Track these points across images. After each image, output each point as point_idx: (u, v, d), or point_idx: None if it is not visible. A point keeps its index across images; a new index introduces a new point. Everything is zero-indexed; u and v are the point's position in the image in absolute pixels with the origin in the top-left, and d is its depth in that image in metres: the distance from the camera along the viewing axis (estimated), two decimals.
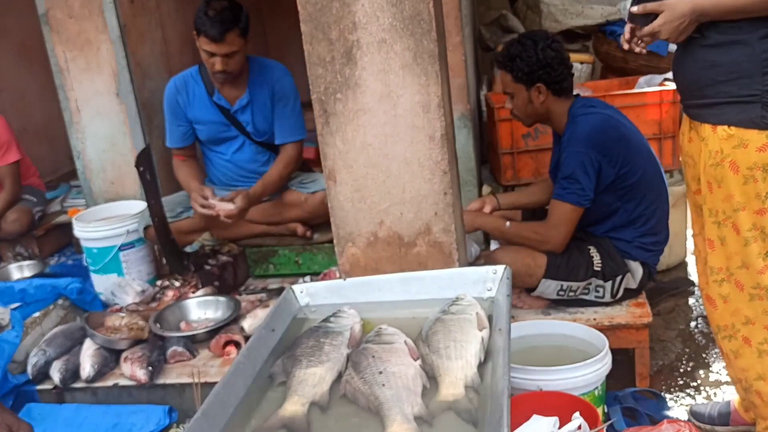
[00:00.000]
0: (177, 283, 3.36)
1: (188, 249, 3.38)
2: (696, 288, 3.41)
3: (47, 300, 3.05)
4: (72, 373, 2.69)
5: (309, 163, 3.96)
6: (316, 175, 3.50)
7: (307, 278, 3.26)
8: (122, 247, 3.42)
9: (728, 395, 2.60)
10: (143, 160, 3.03)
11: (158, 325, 2.86)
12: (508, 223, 2.69)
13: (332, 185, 1.99)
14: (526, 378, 2.14)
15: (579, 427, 1.69)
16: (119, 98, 3.66)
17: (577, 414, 1.73)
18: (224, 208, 3.07)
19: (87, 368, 2.67)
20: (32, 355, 2.76)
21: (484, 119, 4.19)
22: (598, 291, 2.63)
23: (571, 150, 2.52)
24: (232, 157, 3.41)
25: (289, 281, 3.24)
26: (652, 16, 1.91)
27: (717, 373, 2.78)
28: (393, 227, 1.99)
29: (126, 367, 2.66)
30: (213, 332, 2.79)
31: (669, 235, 2.74)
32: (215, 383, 1.52)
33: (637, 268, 2.65)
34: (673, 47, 3.03)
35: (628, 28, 2.03)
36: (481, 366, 1.53)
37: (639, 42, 2.03)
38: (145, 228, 3.36)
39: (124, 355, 2.71)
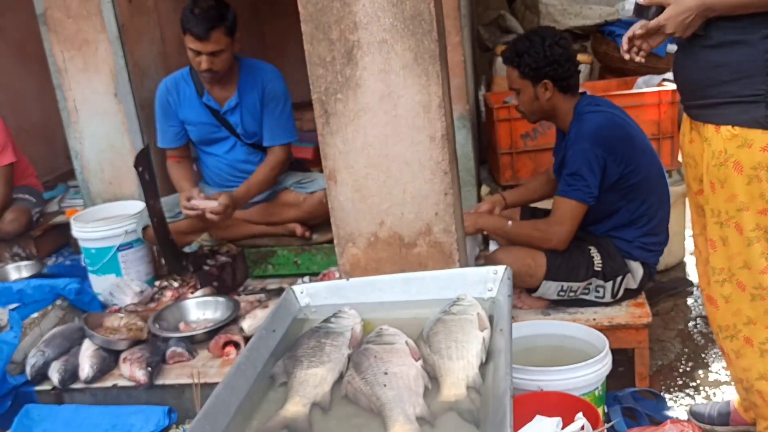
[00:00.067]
0: (176, 284, 3.36)
1: (187, 249, 3.38)
2: (694, 288, 3.42)
3: (45, 300, 3.04)
4: (71, 373, 2.68)
5: (307, 164, 3.96)
6: (315, 175, 3.49)
7: (306, 278, 3.26)
8: (121, 248, 3.41)
9: (728, 395, 2.60)
10: (142, 160, 3.02)
11: (157, 325, 2.85)
12: (510, 223, 2.69)
13: (333, 185, 1.99)
14: (527, 378, 2.14)
15: (582, 428, 1.69)
16: (117, 98, 3.65)
17: (580, 414, 1.73)
18: (208, 205, 3.07)
19: (86, 369, 2.67)
20: (31, 355, 2.76)
21: (482, 119, 4.19)
22: (598, 291, 2.63)
23: (577, 147, 2.52)
24: (225, 158, 3.41)
25: (288, 282, 3.24)
26: (659, 9, 1.90)
27: (716, 373, 2.78)
28: (393, 227, 1.99)
29: (125, 368, 2.65)
30: (212, 333, 2.79)
31: (669, 236, 2.74)
32: (215, 384, 1.52)
33: (637, 269, 2.65)
34: (671, 48, 3.03)
35: (626, 39, 2.03)
36: (483, 366, 1.53)
37: (638, 51, 2.03)
38: (144, 228, 3.35)
39: (123, 355, 2.70)
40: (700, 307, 3.25)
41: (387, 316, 1.79)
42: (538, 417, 1.67)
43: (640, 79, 3.73)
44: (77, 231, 3.48)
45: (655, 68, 3.77)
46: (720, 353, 2.78)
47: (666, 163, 3.43)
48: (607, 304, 2.67)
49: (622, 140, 2.55)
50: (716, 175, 1.97)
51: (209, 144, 3.40)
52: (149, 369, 2.61)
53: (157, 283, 3.44)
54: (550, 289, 2.63)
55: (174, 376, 2.66)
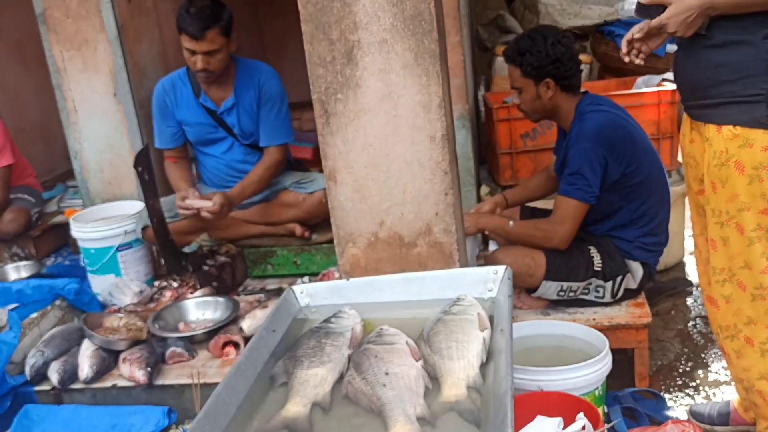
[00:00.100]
0: (175, 284, 3.36)
1: (186, 249, 3.37)
2: (694, 288, 3.42)
3: (45, 301, 3.04)
4: (70, 374, 2.68)
5: (306, 164, 3.96)
6: (314, 175, 3.49)
7: (306, 279, 3.26)
8: (120, 248, 3.41)
9: (727, 395, 2.61)
10: (142, 161, 3.02)
11: (157, 325, 2.85)
12: (511, 223, 2.69)
13: (333, 185, 1.99)
14: (527, 378, 2.14)
15: (583, 428, 1.69)
16: (117, 98, 3.64)
17: (581, 415, 1.73)
18: (203, 205, 3.07)
19: (85, 369, 2.66)
20: (30, 356, 2.75)
21: (482, 120, 4.19)
22: (598, 291, 2.63)
23: (579, 146, 2.52)
24: (223, 159, 3.40)
25: (287, 282, 3.24)
26: (660, 8, 1.90)
27: (716, 373, 2.78)
28: (393, 227, 1.99)
29: (125, 368, 2.65)
30: (212, 333, 2.79)
31: (669, 237, 2.74)
32: (214, 384, 1.52)
33: (637, 269, 2.65)
34: (671, 47, 3.03)
35: (624, 42, 2.03)
36: (483, 366, 1.53)
37: (638, 54, 2.03)
38: (143, 228, 3.35)
39: (122, 356, 2.70)
40: (700, 307, 3.25)
41: (387, 316, 1.78)
42: (539, 417, 1.67)
43: (640, 79, 3.73)
44: (76, 231, 3.47)
45: (654, 68, 3.77)
46: (719, 353, 2.79)
47: (665, 163, 3.43)
48: (606, 304, 2.67)
49: (624, 140, 2.55)
50: (717, 175, 1.97)
51: (207, 144, 3.40)
52: (149, 369, 2.61)
53: (156, 283, 3.44)
54: (550, 289, 2.63)
55: (173, 376, 2.65)
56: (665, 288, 3.41)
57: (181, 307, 3.04)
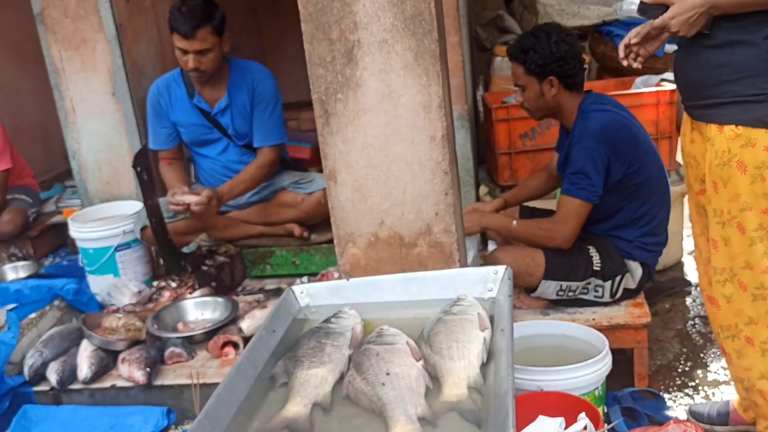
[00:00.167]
0: (174, 284, 3.36)
1: (185, 250, 3.37)
2: (693, 288, 3.42)
3: (43, 301, 3.03)
4: (69, 374, 2.68)
5: (305, 164, 3.96)
6: (313, 176, 3.49)
7: (305, 279, 3.26)
8: (118, 248, 3.41)
9: (726, 395, 2.61)
10: (140, 160, 3.01)
11: (156, 326, 2.84)
12: (514, 222, 2.68)
13: (333, 185, 1.99)
14: (527, 378, 2.14)
15: (585, 428, 1.69)
16: (115, 98, 3.64)
17: (582, 415, 1.73)
18: (192, 199, 3.06)
19: (84, 369, 2.66)
20: (29, 356, 2.75)
21: (481, 120, 4.19)
22: (597, 291, 2.63)
23: (582, 145, 2.52)
24: (219, 159, 3.40)
25: (286, 282, 3.24)
26: (662, 8, 1.90)
27: (715, 372, 2.79)
28: (394, 228, 1.99)
29: (123, 369, 2.65)
30: (211, 333, 2.79)
31: (668, 237, 2.74)
32: (214, 384, 1.51)
33: (636, 269, 2.65)
34: (669, 48, 3.03)
35: (622, 46, 2.03)
36: (484, 366, 1.53)
37: (635, 57, 2.03)
38: (142, 228, 3.34)
39: (121, 356, 2.69)
40: (699, 307, 3.26)
41: (387, 316, 1.78)
42: (540, 417, 1.67)
43: (638, 80, 3.73)
44: (75, 231, 3.47)
45: (653, 68, 3.77)
46: (718, 353, 2.79)
47: (664, 163, 3.44)
48: (605, 304, 2.67)
49: (627, 140, 2.55)
50: (719, 175, 1.97)
51: (202, 145, 3.39)
52: (148, 369, 2.60)
53: (155, 283, 3.44)
54: (549, 288, 2.63)
55: (173, 376, 2.65)
56: (664, 288, 3.41)
57: (180, 307, 3.03)
